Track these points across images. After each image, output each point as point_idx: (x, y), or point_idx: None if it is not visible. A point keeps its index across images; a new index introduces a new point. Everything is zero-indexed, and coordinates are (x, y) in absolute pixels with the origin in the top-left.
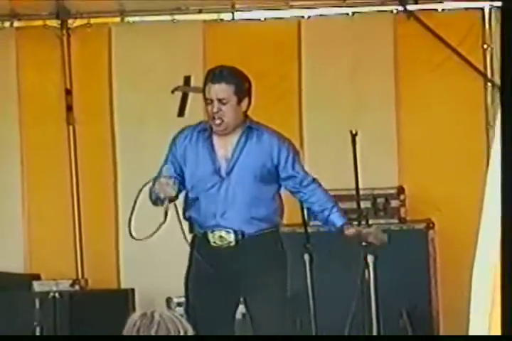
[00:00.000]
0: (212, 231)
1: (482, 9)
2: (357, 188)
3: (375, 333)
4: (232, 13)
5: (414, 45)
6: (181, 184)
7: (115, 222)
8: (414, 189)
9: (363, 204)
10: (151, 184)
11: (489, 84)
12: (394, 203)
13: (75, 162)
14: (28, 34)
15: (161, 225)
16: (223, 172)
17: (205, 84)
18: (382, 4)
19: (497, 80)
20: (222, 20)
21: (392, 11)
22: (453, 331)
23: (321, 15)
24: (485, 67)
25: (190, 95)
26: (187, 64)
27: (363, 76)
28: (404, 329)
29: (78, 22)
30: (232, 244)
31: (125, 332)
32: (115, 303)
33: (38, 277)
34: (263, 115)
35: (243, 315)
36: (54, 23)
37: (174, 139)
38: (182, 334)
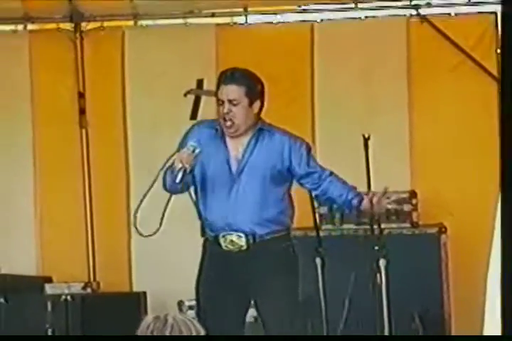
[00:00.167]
0: (224, 236)
1: (495, 13)
2: (369, 190)
3: None
4: (245, 16)
5: (427, 50)
6: (191, 181)
7: (127, 225)
8: (427, 193)
9: None
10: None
11: None
12: (406, 207)
13: (88, 165)
14: (41, 37)
15: (164, 212)
16: (234, 174)
17: (217, 85)
18: (395, 8)
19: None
20: (235, 23)
21: (405, 15)
22: (465, 334)
23: (333, 19)
24: (498, 72)
25: (203, 98)
26: (200, 67)
27: (376, 80)
28: (416, 333)
29: (91, 25)
30: (244, 248)
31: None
32: (127, 306)
33: (50, 280)
34: (275, 118)
35: (255, 318)
36: (67, 26)
37: (186, 135)
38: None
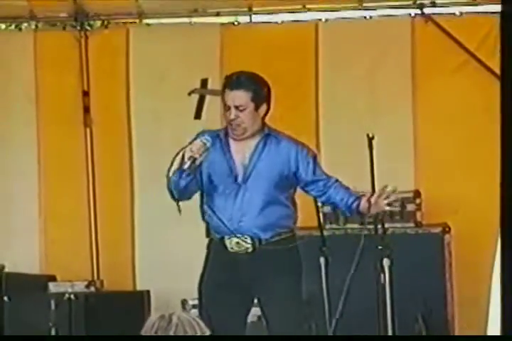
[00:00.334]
0: (230, 238)
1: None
2: (373, 192)
3: None
4: (250, 15)
5: (431, 49)
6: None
7: (131, 224)
8: (430, 193)
9: None
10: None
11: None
12: (410, 207)
13: (92, 163)
14: (46, 36)
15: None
16: (240, 179)
17: (223, 89)
18: (399, 8)
19: None
20: (239, 23)
21: (409, 15)
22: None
23: (338, 18)
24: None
25: (207, 98)
26: (204, 66)
27: (380, 79)
28: (419, 333)
29: (96, 24)
30: (250, 250)
31: (143, 334)
32: (130, 305)
33: (53, 278)
34: (280, 118)
35: (258, 317)
36: (72, 24)
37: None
38: None
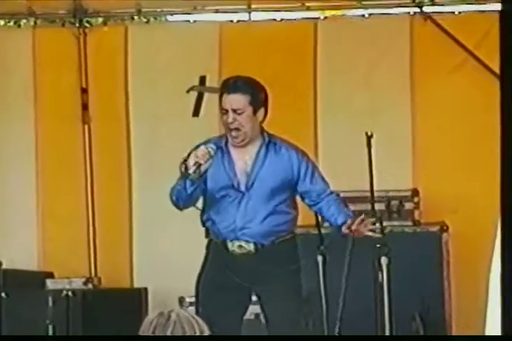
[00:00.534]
0: (232, 241)
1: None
2: (371, 190)
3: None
4: (249, 13)
5: (430, 48)
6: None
7: (129, 221)
8: (429, 191)
9: (377, 207)
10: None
11: None
12: (408, 205)
13: (90, 160)
14: (45, 33)
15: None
16: (243, 187)
17: (221, 94)
18: (398, 6)
19: None
20: (238, 20)
21: (408, 13)
22: (466, 334)
23: (337, 16)
24: None
25: (206, 95)
26: (203, 64)
27: (379, 78)
28: (416, 332)
29: (95, 21)
30: (252, 252)
31: (141, 331)
32: (128, 302)
33: (51, 275)
34: (278, 116)
35: (256, 315)
36: (71, 21)
37: (190, 154)
38: (198, 334)
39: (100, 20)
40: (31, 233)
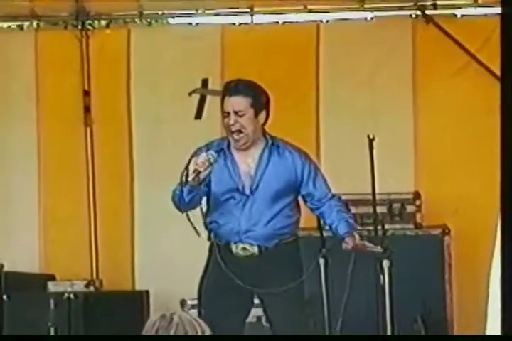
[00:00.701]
0: (236, 243)
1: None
2: (373, 193)
3: None
4: (251, 16)
5: (432, 51)
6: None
7: (131, 224)
8: (430, 194)
9: (379, 209)
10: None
11: None
12: (410, 208)
13: (92, 163)
14: (47, 35)
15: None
16: (247, 190)
17: (222, 97)
18: (400, 9)
19: None
20: (240, 23)
21: (411, 16)
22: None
23: (339, 19)
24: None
25: (208, 98)
26: (205, 66)
27: (381, 80)
28: (418, 334)
29: (98, 24)
30: (256, 255)
31: (143, 333)
32: (130, 305)
33: (53, 277)
34: (280, 120)
35: (257, 318)
36: (73, 24)
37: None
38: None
39: (103, 22)
40: (33, 235)
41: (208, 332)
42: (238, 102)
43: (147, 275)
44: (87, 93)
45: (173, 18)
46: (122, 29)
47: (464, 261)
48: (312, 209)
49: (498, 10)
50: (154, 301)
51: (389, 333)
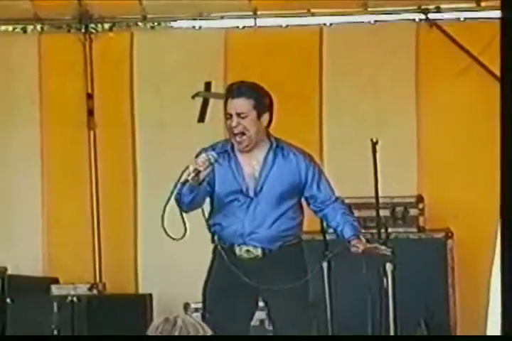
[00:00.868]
0: (239, 245)
1: None
2: (376, 196)
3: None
4: (254, 19)
5: (435, 54)
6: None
7: (134, 227)
8: (433, 198)
9: (382, 213)
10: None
11: None
12: (413, 212)
13: (95, 166)
14: (51, 38)
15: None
16: (251, 192)
17: (225, 99)
18: (404, 13)
19: None
20: (244, 26)
21: (414, 20)
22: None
23: (342, 22)
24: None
25: (211, 101)
26: (208, 69)
27: (384, 84)
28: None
29: (101, 27)
30: (259, 257)
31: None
32: (133, 308)
33: (56, 281)
34: (284, 122)
35: (261, 321)
36: (77, 27)
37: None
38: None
39: (106, 26)
40: (36, 238)
41: None
42: (240, 104)
43: (150, 278)
44: (90, 96)
45: (176, 21)
46: (125, 32)
47: (467, 264)
48: (315, 212)
49: (499, 13)
50: (157, 304)
51: None
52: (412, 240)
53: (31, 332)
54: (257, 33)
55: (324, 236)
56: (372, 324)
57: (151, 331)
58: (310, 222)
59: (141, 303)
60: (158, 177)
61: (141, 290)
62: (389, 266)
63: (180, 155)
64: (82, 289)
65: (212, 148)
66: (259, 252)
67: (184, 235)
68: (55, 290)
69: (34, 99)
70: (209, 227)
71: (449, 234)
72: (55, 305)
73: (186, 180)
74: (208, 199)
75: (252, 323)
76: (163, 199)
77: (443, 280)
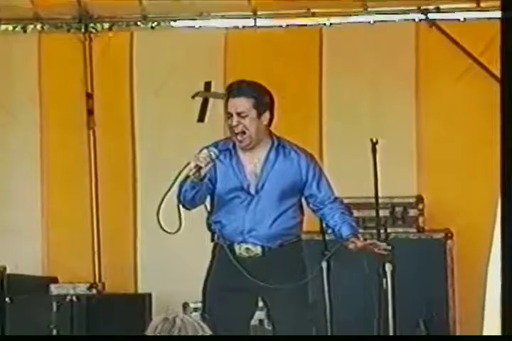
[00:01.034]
0: (239, 244)
1: None
2: (376, 196)
3: None
4: (254, 19)
5: (435, 54)
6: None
7: (133, 226)
8: (433, 198)
9: (382, 213)
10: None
11: None
12: (412, 212)
13: (95, 166)
14: (50, 38)
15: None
16: (252, 190)
17: (226, 99)
18: (404, 13)
19: None
20: (243, 26)
21: (414, 20)
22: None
23: (342, 23)
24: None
25: (211, 101)
26: (208, 69)
27: (384, 84)
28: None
29: (100, 26)
30: (259, 255)
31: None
32: (132, 308)
33: (55, 280)
34: (283, 122)
35: (260, 321)
36: (77, 27)
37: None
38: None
39: (106, 25)
40: (35, 238)
41: None
42: (240, 103)
43: (150, 278)
44: (90, 96)
45: (176, 21)
46: (125, 32)
47: (466, 265)
48: (314, 211)
49: (500, 14)
50: (157, 304)
51: None
52: (412, 240)
53: (30, 332)
54: (257, 33)
55: (323, 236)
56: (372, 324)
57: (149, 330)
58: (309, 222)
59: (141, 303)
60: (158, 177)
61: (140, 290)
62: (388, 266)
63: (180, 154)
64: (82, 289)
65: (215, 145)
66: (258, 250)
67: (179, 229)
68: (54, 289)
69: (34, 99)
70: (209, 226)
71: (449, 235)
72: (54, 304)
73: (187, 176)
74: (208, 199)
75: (252, 323)
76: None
77: (442, 280)
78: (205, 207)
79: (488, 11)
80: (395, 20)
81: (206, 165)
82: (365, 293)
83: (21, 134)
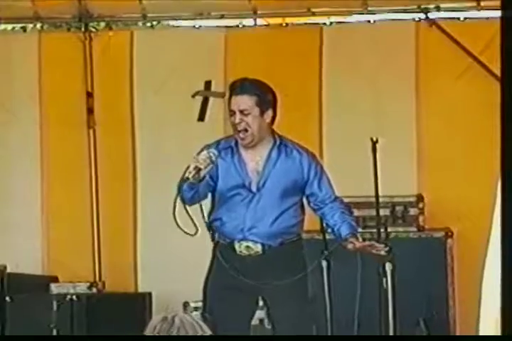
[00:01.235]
0: (239, 242)
1: None
2: (376, 196)
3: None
4: (254, 18)
5: (435, 53)
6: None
7: (134, 226)
8: (433, 197)
9: (382, 212)
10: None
11: None
12: (413, 211)
13: (95, 165)
14: (50, 37)
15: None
16: (254, 187)
17: (229, 97)
18: (404, 12)
19: None
20: (243, 25)
21: (414, 19)
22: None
23: (342, 22)
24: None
25: (211, 100)
26: (208, 68)
27: (384, 83)
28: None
29: (101, 26)
30: (259, 253)
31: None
32: (132, 307)
33: (55, 279)
34: (283, 121)
35: (260, 320)
36: (77, 26)
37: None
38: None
39: (106, 25)
40: (36, 237)
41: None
42: (243, 101)
43: (150, 277)
44: (90, 95)
45: (176, 20)
46: (125, 31)
47: (466, 264)
48: (314, 210)
49: (500, 13)
50: (157, 303)
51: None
52: (412, 239)
53: (30, 331)
54: (257, 33)
55: (324, 236)
56: (372, 323)
57: (148, 330)
58: (309, 221)
59: (141, 302)
60: (158, 176)
61: (140, 289)
62: (388, 266)
63: (179, 153)
64: (82, 288)
65: (217, 143)
66: (258, 248)
67: (196, 232)
68: (54, 288)
69: (34, 98)
70: (208, 224)
71: (449, 234)
72: (54, 303)
73: (187, 178)
74: (209, 197)
75: (252, 322)
76: (162, 197)
77: (443, 279)
78: (200, 207)
79: (488, 10)
80: (395, 20)
81: (206, 167)
82: (363, 291)
83: (21, 133)
